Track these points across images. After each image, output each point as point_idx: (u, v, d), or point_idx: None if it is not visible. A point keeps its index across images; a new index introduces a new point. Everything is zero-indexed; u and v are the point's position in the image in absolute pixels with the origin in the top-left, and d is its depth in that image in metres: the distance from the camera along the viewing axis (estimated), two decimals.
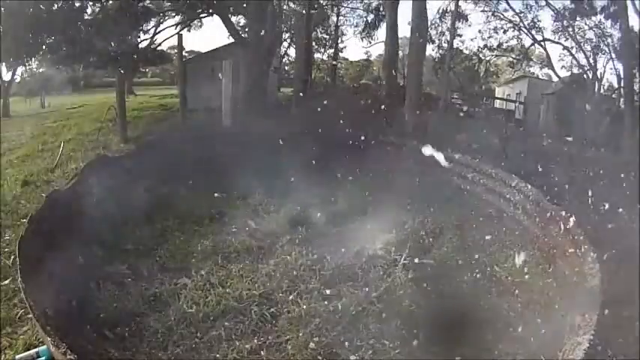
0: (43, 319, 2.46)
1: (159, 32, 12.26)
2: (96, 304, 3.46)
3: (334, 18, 17.42)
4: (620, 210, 4.43)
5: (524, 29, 14.06)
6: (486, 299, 3.76)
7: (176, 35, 11.55)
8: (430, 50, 14.80)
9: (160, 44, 12.74)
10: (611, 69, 13.16)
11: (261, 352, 3.07)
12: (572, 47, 13.66)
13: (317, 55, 17.62)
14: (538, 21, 13.89)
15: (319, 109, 7.85)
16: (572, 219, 3.91)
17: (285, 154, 6.38)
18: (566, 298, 3.46)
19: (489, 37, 14.67)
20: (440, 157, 5.01)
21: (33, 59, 10.56)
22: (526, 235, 4.81)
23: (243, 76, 10.54)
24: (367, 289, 3.77)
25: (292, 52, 17.22)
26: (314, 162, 6.20)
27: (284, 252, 4.42)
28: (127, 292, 3.68)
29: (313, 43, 16.41)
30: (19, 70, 13.63)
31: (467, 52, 15.48)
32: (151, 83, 18.49)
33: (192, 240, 4.69)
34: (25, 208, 5.49)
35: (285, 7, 15.47)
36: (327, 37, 17.89)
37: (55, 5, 9.32)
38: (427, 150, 5.00)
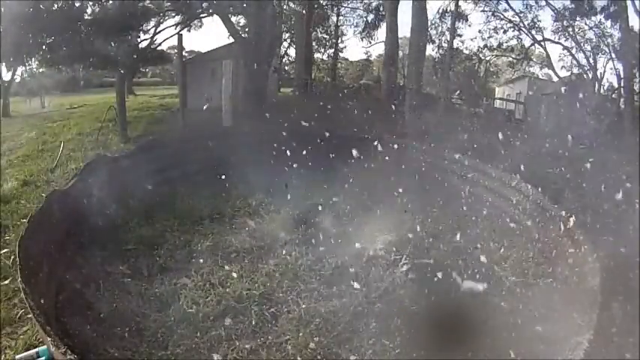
0: (43, 319, 2.45)
1: (159, 32, 12.26)
2: (96, 304, 3.46)
3: (334, 18, 17.43)
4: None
5: (524, 29, 14.07)
6: (486, 299, 3.76)
7: (176, 35, 11.55)
8: (430, 50, 14.82)
9: (160, 44, 12.74)
10: (611, 69, 13.17)
11: (261, 352, 3.07)
12: (572, 47, 13.68)
13: (317, 55, 17.63)
14: (538, 21, 13.89)
15: (319, 109, 7.85)
16: (572, 219, 3.91)
17: (284, 153, 6.38)
18: (566, 298, 3.46)
19: (489, 37, 14.69)
20: None
21: (33, 59, 10.54)
22: (526, 235, 4.81)
23: (243, 76, 10.55)
24: (367, 289, 3.77)
25: (292, 52, 17.23)
26: (314, 162, 6.20)
27: (284, 252, 4.42)
28: (127, 292, 3.68)
29: (313, 43, 16.41)
30: (19, 70, 13.62)
31: (467, 52, 15.50)
32: (150, 83, 18.48)
33: (192, 240, 4.69)
34: (25, 208, 5.48)
35: (285, 7, 15.48)
36: (327, 37, 17.90)
37: (55, 5, 9.32)
38: None
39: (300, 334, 3.18)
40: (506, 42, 14.65)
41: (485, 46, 14.91)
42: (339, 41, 17.89)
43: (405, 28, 13.40)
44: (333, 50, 17.86)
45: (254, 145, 7.01)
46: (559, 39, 13.82)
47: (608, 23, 12.69)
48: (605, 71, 13.34)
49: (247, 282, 3.84)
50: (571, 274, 3.64)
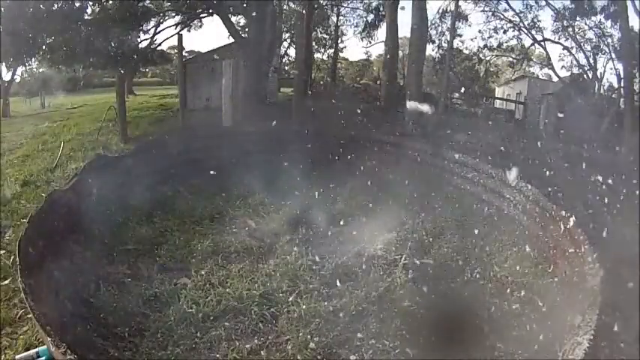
0: (43, 319, 2.45)
1: (159, 32, 12.28)
2: (96, 304, 3.46)
3: (334, 18, 17.45)
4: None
5: (524, 29, 14.07)
6: (486, 299, 3.76)
7: (176, 35, 11.56)
8: (430, 50, 14.82)
9: (160, 44, 12.76)
10: (611, 69, 13.18)
11: (261, 352, 3.06)
12: (572, 47, 13.69)
13: (317, 55, 17.65)
14: (538, 21, 13.91)
15: (319, 110, 7.86)
16: (572, 219, 3.91)
17: (285, 153, 6.39)
18: (566, 298, 3.45)
19: (489, 37, 14.70)
20: None
21: (33, 59, 10.56)
22: (526, 235, 4.81)
23: (243, 76, 10.55)
24: (367, 289, 3.77)
25: (292, 52, 17.26)
26: (314, 162, 6.21)
27: (284, 252, 4.41)
28: (127, 292, 3.68)
29: (313, 43, 16.43)
30: (19, 70, 13.66)
31: (467, 52, 15.52)
32: (150, 83, 18.52)
33: (192, 240, 4.69)
34: (25, 208, 5.49)
35: (285, 7, 15.49)
36: (327, 37, 17.91)
37: (55, 5, 9.33)
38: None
39: (300, 334, 3.18)
40: (506, 42, 14.67)
41: (485, 46, 14.93)
42: (339, 41, 17.91)
43: (405, 28, 13.43)
44: (333, 50, 17.88)
45: (254, 145, 7.03)
46: (559, 39, 13.84)
47: (608, 23, 12.71)
48: (605, 71, 13.36)
49: (247, 282, 3.84)
50: (571, 274, 3.63)
